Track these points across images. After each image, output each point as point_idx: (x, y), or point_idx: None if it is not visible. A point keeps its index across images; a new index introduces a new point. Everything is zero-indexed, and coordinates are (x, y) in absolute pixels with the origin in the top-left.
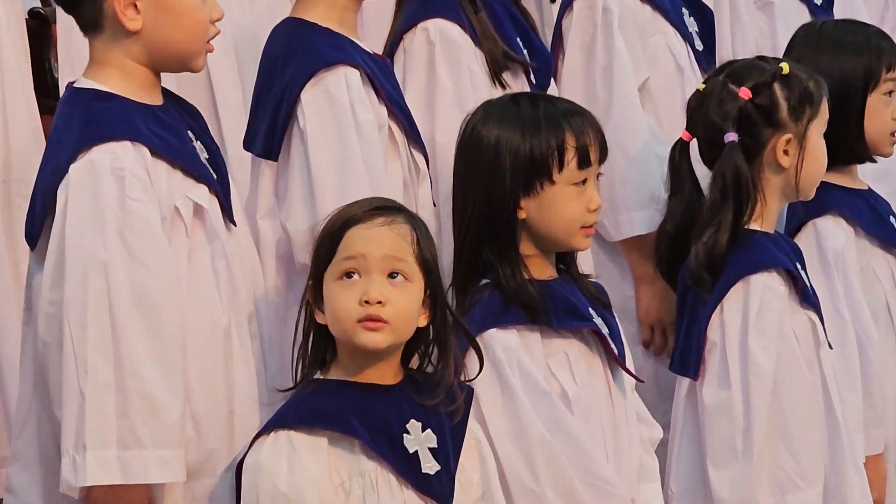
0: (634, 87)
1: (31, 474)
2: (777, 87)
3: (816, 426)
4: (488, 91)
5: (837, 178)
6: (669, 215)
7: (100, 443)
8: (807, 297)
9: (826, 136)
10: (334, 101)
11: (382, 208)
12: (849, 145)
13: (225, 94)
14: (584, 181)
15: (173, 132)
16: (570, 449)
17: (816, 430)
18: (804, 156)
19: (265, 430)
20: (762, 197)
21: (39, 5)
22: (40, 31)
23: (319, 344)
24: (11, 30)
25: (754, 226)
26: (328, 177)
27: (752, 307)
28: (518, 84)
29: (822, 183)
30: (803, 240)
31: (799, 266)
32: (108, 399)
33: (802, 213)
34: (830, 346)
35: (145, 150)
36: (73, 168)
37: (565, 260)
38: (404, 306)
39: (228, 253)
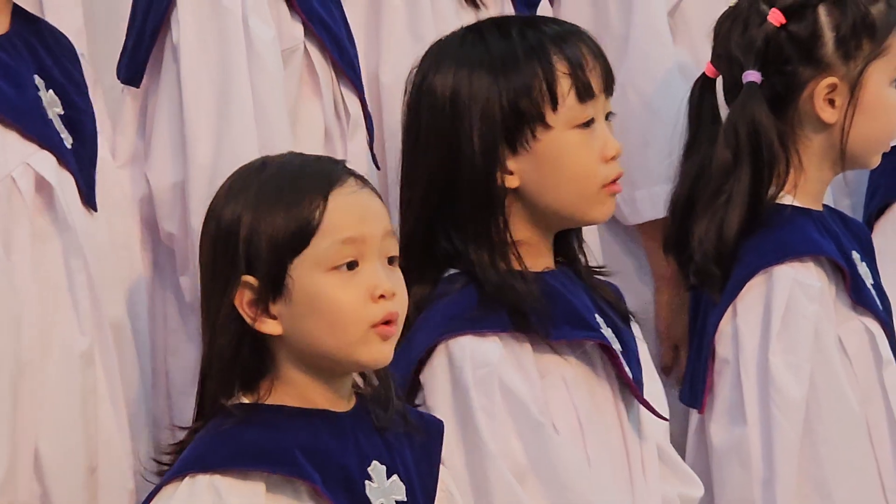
0: (663, 11)
1: None
2: (822, 10)
3: (867, 479)
4: (455, 13)
5: None
6: (683, 177)
7: None
8: (862, 298)
9: None
10: (220, 6)
11: (336, 161)
12: None
13: (58, 14)
14: (592, 121)
15: (7, 74)
16: None
17: (867, 486)
18: (856, 109)
19: (174, 475)
20: (797, 161)
21: None
22: None
23: (252, 360)
24: None
25: (787, 199)
26: (203, 114)
27: (776, 310)
28: (496, 2)
29: None
30: (887, 226)
31: (858, 256)
32: None
33: (886, 188)
34: None
35: None
36: None
37: (568, 247)
38: (406, 300)
39: (87, 247)
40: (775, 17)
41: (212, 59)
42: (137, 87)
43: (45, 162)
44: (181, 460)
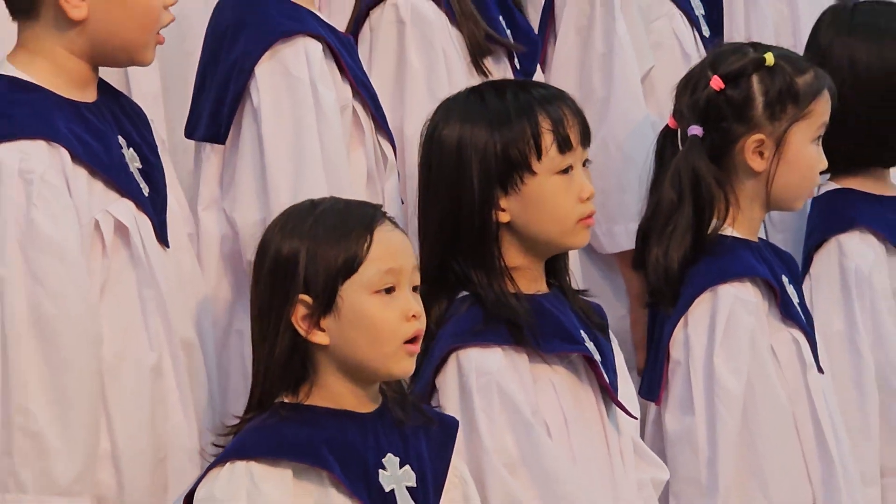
0: (637, 78)
1: None
2: (755, 78)
3: (794, 462)
4: (465, 78)
5: (868, 185)
6: (647, 210)
7: None
8: (790, 313)
9: (863, 134)
10: (292, 76)
11: (374, 205)
12: (892, 146)
13: (139, 81)
14: (570, 168)
15: (97, 135)
16: None
17: (794, 467)
18: (780, 161)
19: (220, 460)
20: (735, 201)
21: None
22: None
23: (300, 367)
24: None
25: (728, 231)
26: (282, 163)
27: (720, 321)
28: (500, 70)
29: (848, 191)
30: (823, 258)
31: (786, 280)
32: None
33: (823, 226)
34: (821, 371)
35: (65, 154)
36: None
37: (557, 272)
38: (425, 321)
39: (160, 279)
40: (716, 82)
41: (287, 119)
42: (222, 143)
43: (124, 208)
44: (227, 449)
